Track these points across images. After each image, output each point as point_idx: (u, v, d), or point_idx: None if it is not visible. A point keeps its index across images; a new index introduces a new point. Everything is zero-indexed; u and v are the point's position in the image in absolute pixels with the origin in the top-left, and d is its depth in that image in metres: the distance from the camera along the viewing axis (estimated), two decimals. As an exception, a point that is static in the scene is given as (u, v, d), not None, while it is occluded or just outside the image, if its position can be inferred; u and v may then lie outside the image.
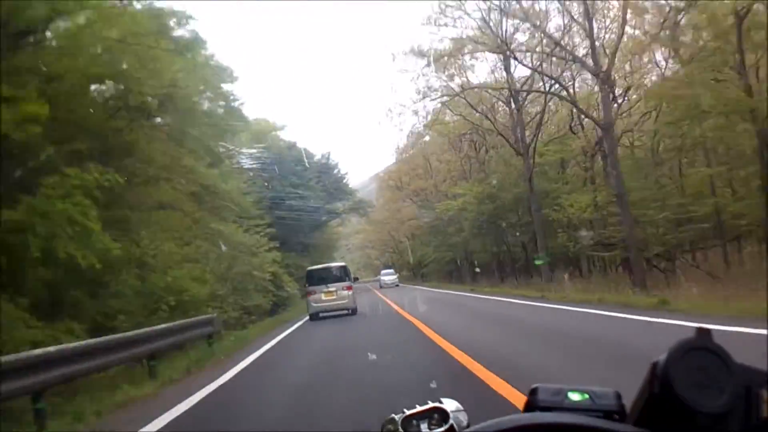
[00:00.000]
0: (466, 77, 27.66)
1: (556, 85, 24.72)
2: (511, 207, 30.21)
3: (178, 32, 18.59)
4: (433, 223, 45.69)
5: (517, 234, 34.52)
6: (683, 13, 19.34)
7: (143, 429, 6.39)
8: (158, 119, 20.25)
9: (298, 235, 41.16)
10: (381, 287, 46.86)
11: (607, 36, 24.40)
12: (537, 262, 30.01)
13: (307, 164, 41.34)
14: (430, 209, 45.95)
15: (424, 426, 1.07)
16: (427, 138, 48.54)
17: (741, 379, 0.89)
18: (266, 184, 37.34)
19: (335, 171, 47.26)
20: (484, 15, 25.63)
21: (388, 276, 51.09)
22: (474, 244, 42.45)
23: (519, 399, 5.06)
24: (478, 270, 41.23)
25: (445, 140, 44.73)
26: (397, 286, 47.62)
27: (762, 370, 0.92)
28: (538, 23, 23.90)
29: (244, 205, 27.15)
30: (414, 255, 62.57)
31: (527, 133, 29.48)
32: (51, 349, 7.14)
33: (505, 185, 30.05)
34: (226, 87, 25.53)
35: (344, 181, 47.82)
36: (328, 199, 44.66)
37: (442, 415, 1.07)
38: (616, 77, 22.45)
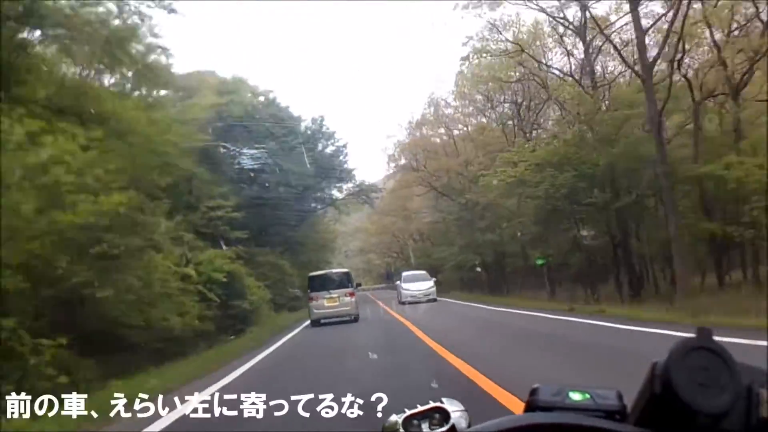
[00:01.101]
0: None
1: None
2: (602, 178, 18.88)
3: None
4: (458, 215, 34.35)
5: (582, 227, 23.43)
6: None
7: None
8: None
9: (276, 226, 29.96)
10: (401, 302, 28.70)
11: None
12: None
13: (295, 125, 30.10)
14: (455, 198, 34.56)
15: (425, 426, 1.06)
16: (449, 110, 37.36)
17: (742, 379, 0.88)
18: (228, 147, 26.09)
19: (330, 142, 35.88)
20: None
21: (417, 283, 29.91)
22: (506, 243, 31.50)
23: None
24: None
25: (474, 102, 33.62)
26: (435, 300, 28.64)
27: (762, 369, 0.90)
28: None
29: (165, 149, 16.15)
30: (419, 258, 51.28)
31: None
32: None
33: (588, 143, 18.77)
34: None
35: (342, 157, 36.37)
36: (320, 181, 33.28)
37: (444, 415, 1.06)
38: None
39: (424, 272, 32.66)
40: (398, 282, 31.43)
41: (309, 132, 35.19)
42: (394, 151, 39.70)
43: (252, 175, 28.16)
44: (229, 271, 21.82)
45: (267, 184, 29.08)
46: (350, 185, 37.67)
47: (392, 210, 46.15)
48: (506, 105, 30.92)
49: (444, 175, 37.09)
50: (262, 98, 31.03)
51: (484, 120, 36.06)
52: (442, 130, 38.24)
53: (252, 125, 28.49)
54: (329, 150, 36.09)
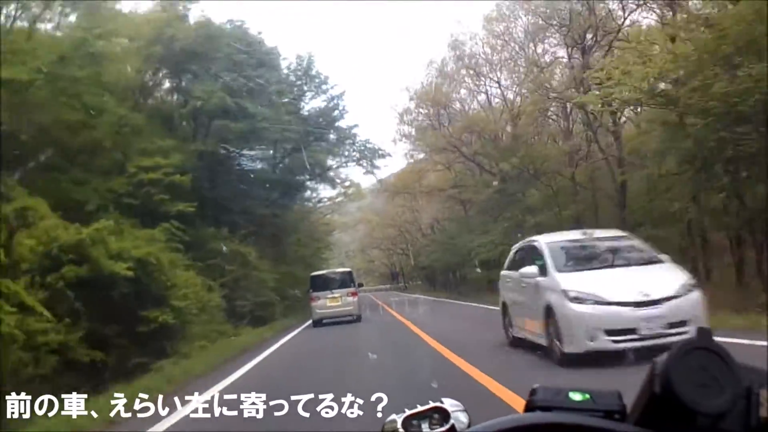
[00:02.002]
0: None
1: None
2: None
3: None
4: (499, 188, 25.43)
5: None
6: None
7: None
8: None
9: (241, 200, 20.89)
10: (562, 355, 8.10)
11: None
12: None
13: (272, 60, 21.20)
14: (489, 167, 25.69)
15: (425, 426, 1.07)
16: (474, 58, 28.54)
17: (741, 379, 0.90)
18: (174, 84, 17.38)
19: (322, 89, 26.75)
20: None
21: (630, 273, 8.52)
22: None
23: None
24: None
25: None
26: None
27: (762, 369, 0.92)
28: None
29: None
30: (432, 254, 43.89)
31: None
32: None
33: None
34: None
35: (339, 110, 27.21)
36: (307, 141, 24.15)
37: (443, 415, 1.08)
38: None
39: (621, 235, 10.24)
40: (530, 270, 9.53)
41: (292, 77, 26.03)
42: (410, 101, 30.27)
43: (207, 123, 19.12)
44: (141, 258, 12.56)
45: (229, 140, 20.01)
46: (350, 150, 28.20)
47: (404, 187, 36.73)
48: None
49: (472, 139, 27.92)
50: (225, 23, 21.79)
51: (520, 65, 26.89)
52: (468, 80, 28.96)
53: (208, 55, 19.35)
54: (320, 100, 26.94)
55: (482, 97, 31.57)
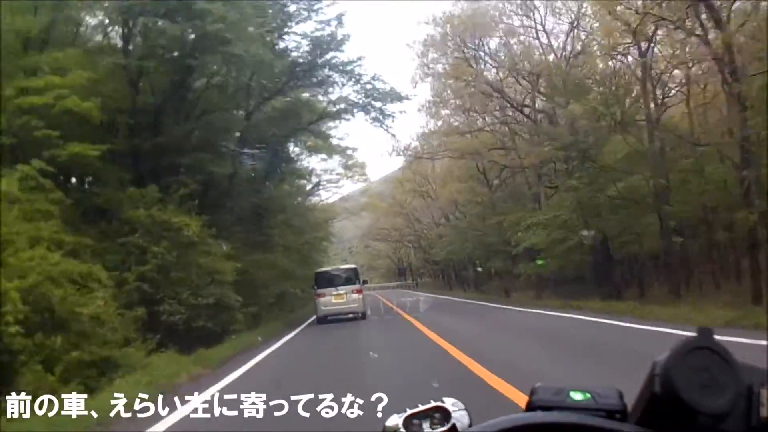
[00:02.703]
0: None
1: None
2: None
3: None
4: (569, 142, 18.77)
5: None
6: None
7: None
8: None
9: (187, 151, 13.95)
10: None
11: None
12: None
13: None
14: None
15: (426, 425, 1.07)
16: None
17: (742, 379, 0.89)
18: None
19: (315, 8, 19.72)
20: None
21: None
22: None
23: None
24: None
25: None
26: None
27: (763, 369, 0.92)
28: None
29: None
30: (451, 244, 36.52)
31: None
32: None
33: None
34: None
35: (336, 40, 20.12)
36: (294, 78, 17.21)
37: (444, 415, 1.08)
38: None
39: None
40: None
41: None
42: (435, 28, 23.06)
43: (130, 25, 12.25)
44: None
45: (167, 52, 13.16)
46: (352, 91, 20.98)
47: (425, 151, 29.56)
48: None
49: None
50: None
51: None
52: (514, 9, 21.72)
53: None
54: (313, 22, 19.84)
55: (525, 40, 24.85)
